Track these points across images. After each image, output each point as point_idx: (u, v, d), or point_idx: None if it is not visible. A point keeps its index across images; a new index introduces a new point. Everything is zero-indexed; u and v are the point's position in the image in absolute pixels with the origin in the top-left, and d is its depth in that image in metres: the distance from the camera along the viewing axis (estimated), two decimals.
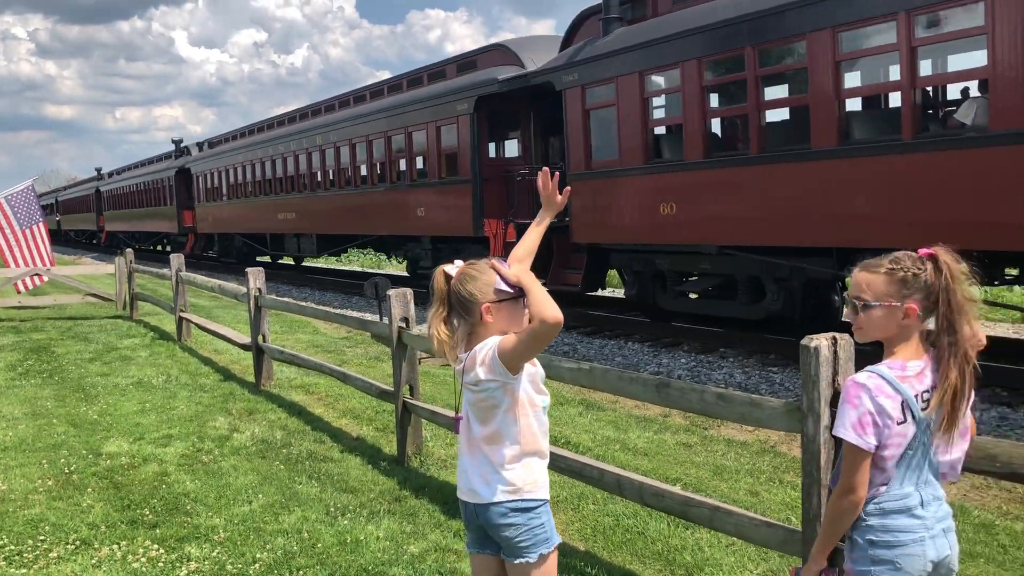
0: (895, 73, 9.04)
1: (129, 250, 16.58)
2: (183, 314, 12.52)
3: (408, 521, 5.10)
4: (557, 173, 3.12)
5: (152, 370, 10.15)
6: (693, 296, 12.19)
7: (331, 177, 20.59)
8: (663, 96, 11.61)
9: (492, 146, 16.40)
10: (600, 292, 15.65)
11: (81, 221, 54.11)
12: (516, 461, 2.86)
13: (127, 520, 5.24)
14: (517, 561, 2.86)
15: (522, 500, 2.85)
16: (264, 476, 6.03)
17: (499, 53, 15.32)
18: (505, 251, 12.48)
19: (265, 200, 24.26)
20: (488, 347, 2.80)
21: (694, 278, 11.85)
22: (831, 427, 3.04)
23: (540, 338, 2.70)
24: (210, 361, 10.81)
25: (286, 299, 12.57)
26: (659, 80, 11.36)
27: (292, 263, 29.27)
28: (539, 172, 3.14)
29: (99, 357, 11.20)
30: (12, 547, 4.87)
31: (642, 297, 12.44)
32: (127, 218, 40.93)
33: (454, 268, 2.88)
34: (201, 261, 30.68)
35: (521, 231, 12.81)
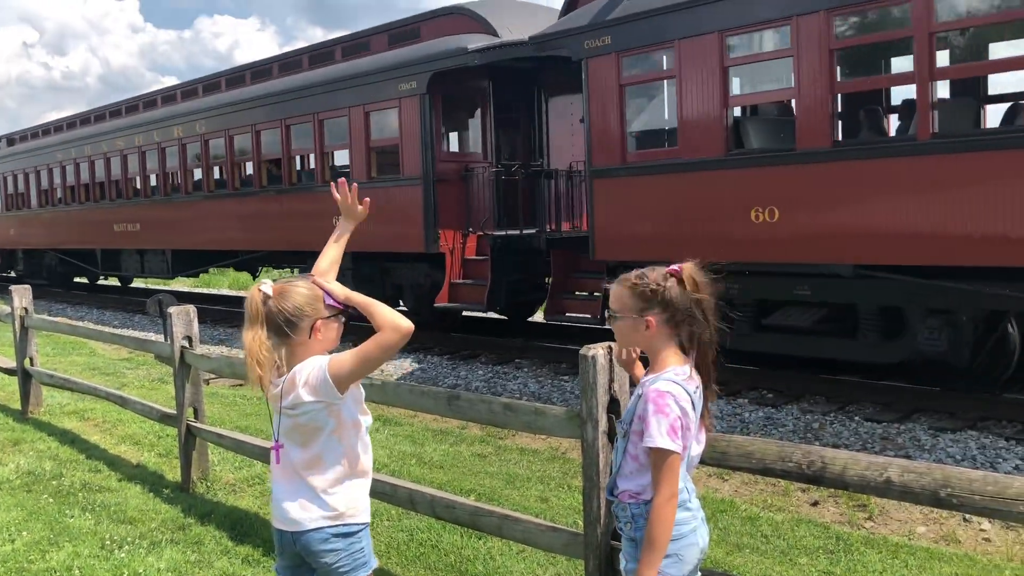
0: None
1: None
2: None
3: (193, 550, 4.86)
4: (355, 184, 3.11)
5: None
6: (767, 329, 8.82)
7: (196, 178, 16.83)
8: (756, 65, 8.87)
9: (446, 137, 13.04)
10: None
11: None
12: (339, 484, 2.80)
13: None
14: None
15: (344, 525, 2.79)
16: (30, 511, 5.56)
17: (457, 19, 12.17)
18: (464, 269, 11.84)
19: (96, 208, 19.76)
20: (312, 367, 2.72)
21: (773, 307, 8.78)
22: (608, 432, 3.21)
23: (388, 350, 2.68)
24: None
25: (57, 319, 11.69)
26: (752, 42, 8.55)
27: (119, 284, 24.95)
28: (334, 182, 3.13)
29: None
30: None
31: None
32: None
33: (268, 286, 2.76)
34: (64, 290, 24.56)
35: (483, 245, 11.70)
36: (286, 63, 15.09)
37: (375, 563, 2.91)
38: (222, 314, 17.02)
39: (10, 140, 25.33)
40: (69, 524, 5.32)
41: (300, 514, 2.78)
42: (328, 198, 13.81)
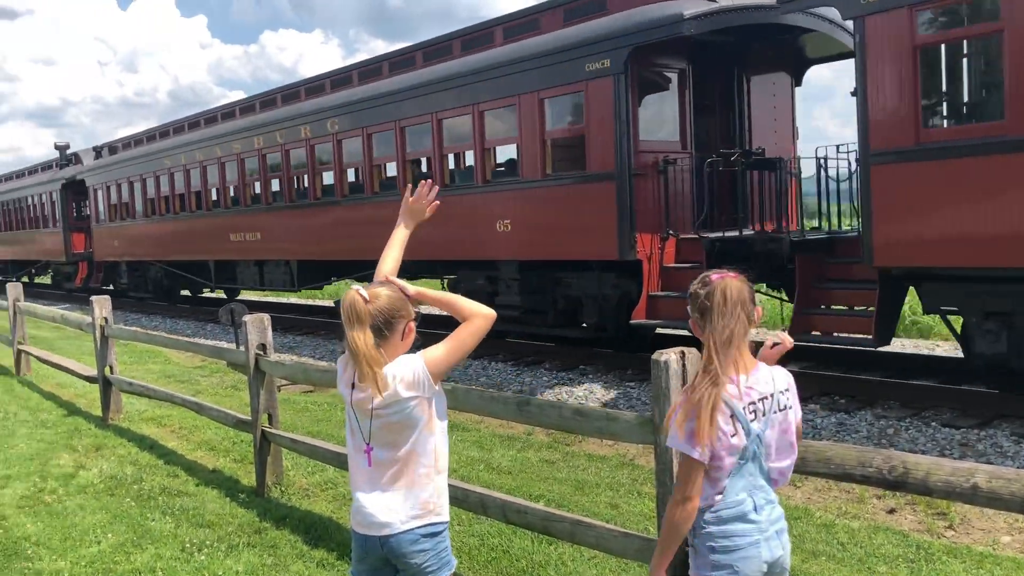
0: None
1: None
2: (21, 347, 11.78)
3: (269, 554, 4.97)
4: (436, 186, 3.18)
5: None
6: None
7: (326, 183, 15.33)
8: None
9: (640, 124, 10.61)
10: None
11: None
12: (428, 482, 2.85)
13: None
14: None
15: (431, 524, 2.84)
16: (114, 514, 5.74)
17: None
18: (662, 279, 10.05)
19: (208, 217, 18.46)
20: (404, 364, 2.80)
21: None
22: None
23: (478, 336, 2.84)
24: (53, 396, 10.21)
25: (134, 328, 12.04)
26: None
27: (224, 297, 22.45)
28: (422, 181, 3.20)
29: None
30: None
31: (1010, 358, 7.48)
32: None
33: (364, 289, 2.82)
34: (137, 301, 23.91)
35: (685, 250, 9.91)
36: (432, 51, 13.36)
37: (455, 562, 2.95)
38: (290, 322, 17.34)
39: (112, 148, 24.40)
40: (151, 527, 5.47)
41: (390, 516, 2.80)
42: (489, 200, 11.29)
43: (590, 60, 10.03)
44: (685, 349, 3.27)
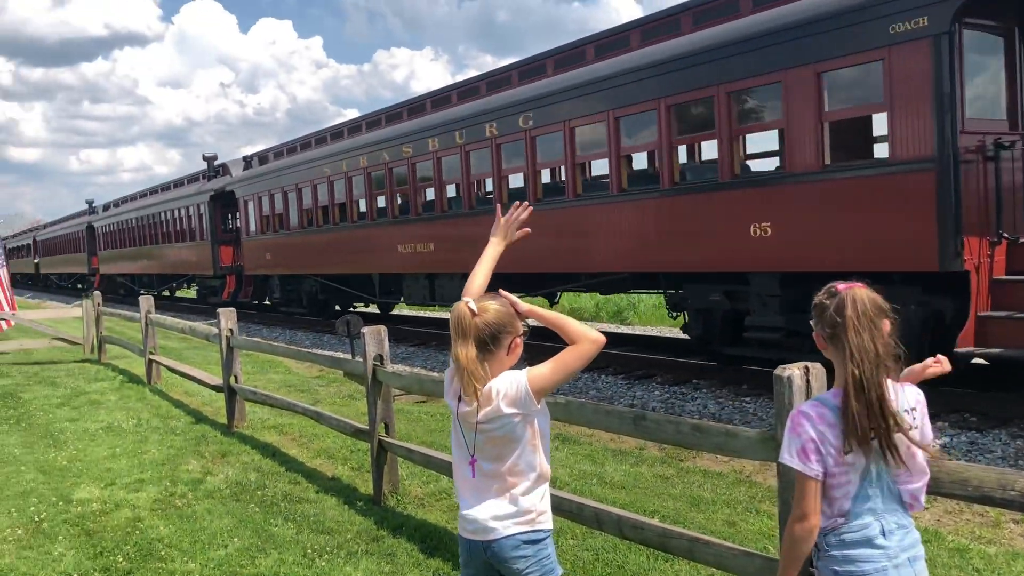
0: None
1: (97, 292, 16.40)
2: (152, 356, 12.39)
3: (387, 561, 5.06)
4: (531, 208, 3.19)
5: (122, 414, 10.01)
6: None
7: (514, 185, 13.66)
8: None
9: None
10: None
11: (66, 263, 45.96)
12: (530, 492, 2.88)
13: (100, 568, 5.15)
14: None
15: (533, 531, 2.87)
16: (239, 519, 5.96)
17: None
18: (992, 294, 8.11)
19: (373, 227, 16.96)
20: (508, 381, 2.83)
21: None
22: None
23: (584, 360, 2.84)
24: (181, 404, 10.69)
25: (257, 339, 12.49)
26: None
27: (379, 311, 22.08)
28: (516, 203, 3.20)
29: (67, 402, 11.03)
30: None
31: None
32: (132, 258, 33.32)
33: (473, 303, 2.86)
34: (257, 312, 24.85)
35: (1021, 257, 8.07)
36: (652, 28, 11.40)
37: (560, 571, 2.96)
38: (403, 333, 17.68)
39: (262, 158, 23.58)
40: (274, 532, 5.66)
41: (493, 523, 2.85)
42: (739, 200, 9.54)
43: (896, 20, 8.09)
44: (809, 364, 3.17)
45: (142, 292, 31.23)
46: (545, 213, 11.68)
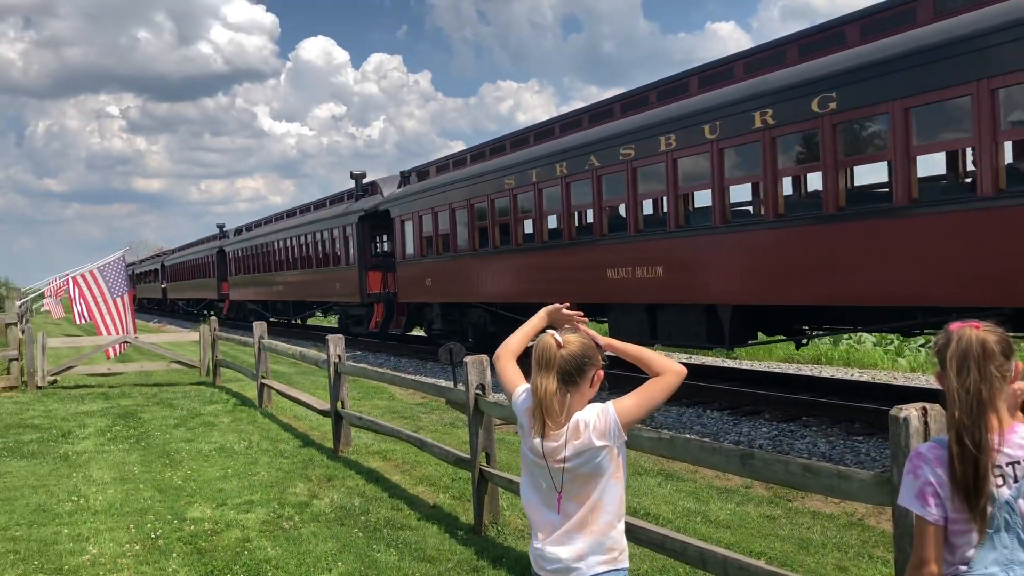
0: None
1: (213, 318, 17.07)
2: (264, 381, 12.78)
3: None
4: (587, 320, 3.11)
5: (234, 436, 10.35)
6: None
7: (786, 193, 11.18)
8: None
9: None
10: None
11: (195, 288, 44.78)
12: (612, 528, 2.85)
13: None
14: None
15: (614, 570, 2.83)
16: (343, 543, 6.06)
17: None
18: None
19: (571, 248, 14.19)
20: (595, 413, 2.81)
21: None
22: None
23: (668, 392, 2.89)
24: (290, 427, 10.99)
25: (363, 365, 12.75)
26: None
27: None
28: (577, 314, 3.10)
29: (183, 423, 11.48)
30: None
31: None
32: (265, 283, 31.54)
33: (557, 334, 2.87)
34: (369, 339, 23.53)
35: None
36: (873, 22, 9.76)
37: None
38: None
39: (421, 173, 21.17)
40: (376, 558, 5.73)
41: (577, 562, 2.80)
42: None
43: None
44: (928, 405, 3.04)
45: (272, 319, 31.71)
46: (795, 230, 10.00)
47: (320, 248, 25.97)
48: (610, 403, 2.84)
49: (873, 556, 5.51)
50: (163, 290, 55.26)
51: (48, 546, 6.17)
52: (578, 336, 2.88)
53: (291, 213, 31.86)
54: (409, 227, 20.11)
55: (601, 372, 2.88)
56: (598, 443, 2.77)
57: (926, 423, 3.01)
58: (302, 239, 27.70)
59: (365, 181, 24.26)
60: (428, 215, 19.05)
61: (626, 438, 2.85)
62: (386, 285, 22.55)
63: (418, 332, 23.53)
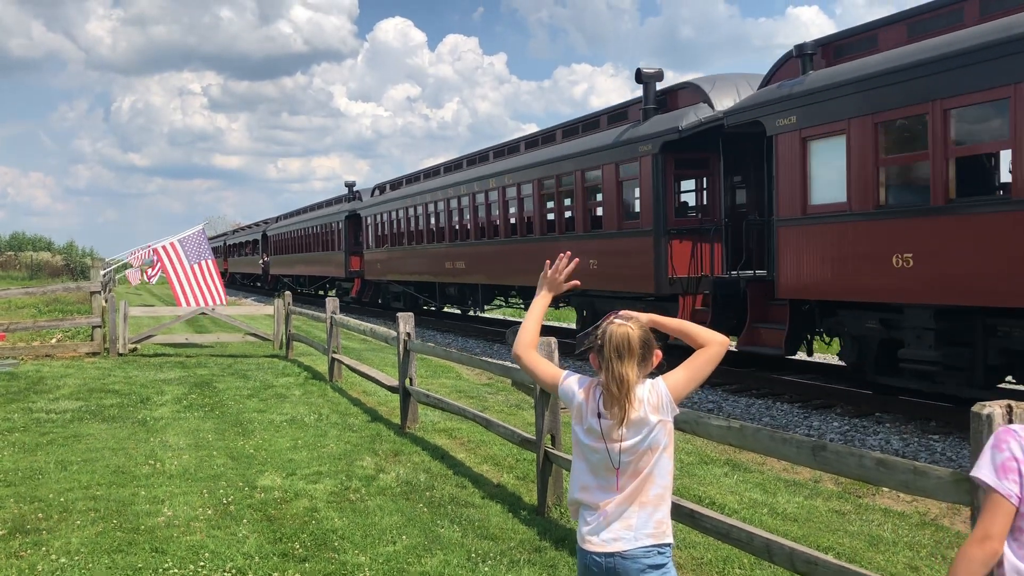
0: None
1: (288, 292, 17.43)
2: (335, 356, 13.00)
3: (547, 573, 5.07)
4: (577, 260, 3.25)
5: (305, 408, 10.56)
6: None
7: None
8: None
9: None
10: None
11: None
12: (662, 503, 2.91)
13: (279, 552, 5.44)
14: None
15: (662, 545, 2.88)
16: (408, 517, 6.14)
17: None
18: None
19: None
20: (648, 389, 2.88)
21: None
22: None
23: (714, 363, 2.96)
24: (359, 402, 11.16)
25: (431, 344, 12.87)
26: None
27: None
28: (561, 255, 3.26)
29: (256, 394, 11.76)
30: (175, 571, 5.14)
31: None
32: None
33: (629, 323, 2.92)
34: (435, 318, 27.72)
35: None
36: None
37: None
38: (570, 346, 17.71)
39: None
40: (440, 534, 5.79)
41: (626, 535, 2.85)
42: None
43: None
44: (1013, 403, 2.93)
45: (298, 290, 40.60)
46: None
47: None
48: (660, 378, 2.93)
49: (946, 557, 5.36)
50: (264, 265, 48.79)
51: (126, 506, 6.40)
52: (635, 321, 2.94)
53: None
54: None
55: (659, 352, 2.94)
56: (653, 418, 2.85)
57: (1011, 421, 2.90)
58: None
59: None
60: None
61: (678, 411, 2.93)
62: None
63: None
